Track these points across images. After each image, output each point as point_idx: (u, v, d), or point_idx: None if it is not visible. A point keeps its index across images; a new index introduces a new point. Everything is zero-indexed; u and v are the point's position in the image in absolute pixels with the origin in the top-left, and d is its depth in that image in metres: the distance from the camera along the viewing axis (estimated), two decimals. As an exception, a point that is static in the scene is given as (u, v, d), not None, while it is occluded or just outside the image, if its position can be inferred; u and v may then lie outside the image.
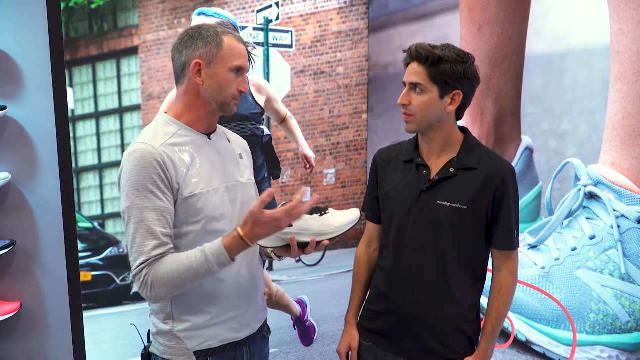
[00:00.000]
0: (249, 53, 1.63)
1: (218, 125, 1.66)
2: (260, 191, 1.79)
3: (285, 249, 1.53)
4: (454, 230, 1.63)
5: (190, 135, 1.53)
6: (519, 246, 1.69)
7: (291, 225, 1.48)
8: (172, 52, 1.53)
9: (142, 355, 1.63)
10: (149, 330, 1.64)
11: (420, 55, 1.58)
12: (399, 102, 1.63)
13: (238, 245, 1.42)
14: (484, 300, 1.71)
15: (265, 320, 1.74)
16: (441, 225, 1.63)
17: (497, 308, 1.67)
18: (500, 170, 1.62)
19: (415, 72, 1.59)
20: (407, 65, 1.63)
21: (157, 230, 1.42)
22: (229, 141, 1.65)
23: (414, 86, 1.60)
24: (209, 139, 1.57)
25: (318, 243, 1.51)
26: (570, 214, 2.29)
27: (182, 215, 1.49)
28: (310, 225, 1.50)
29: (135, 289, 1.46)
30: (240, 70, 1.52)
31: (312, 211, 1.53)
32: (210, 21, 2.51)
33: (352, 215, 1.54)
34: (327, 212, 1.54)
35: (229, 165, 1.59)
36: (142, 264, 1.42)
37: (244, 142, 1.74)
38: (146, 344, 1.65)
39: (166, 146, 1.48)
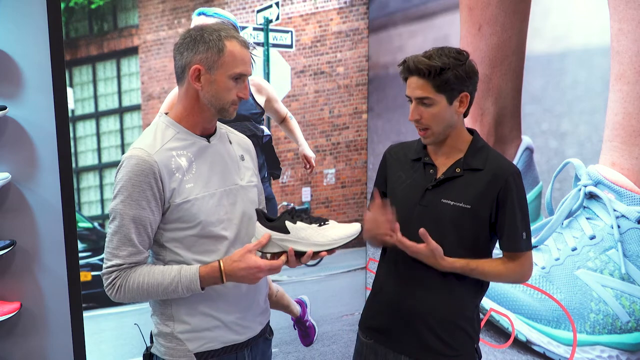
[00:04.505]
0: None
1: (222, 125, 1.65)
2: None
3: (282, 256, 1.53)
4: (456, 228, 1.63)
5: (189, 139, 1.52)
6: (529, 248, 1.67)
7: (289, 233, 1.49)
8: (174, 51, 1.52)
9: (144, 356, 1.63)
10: (151, 331, 1.64)
11: (421, 70, 1.57)
12: (410, 119, 1.63)
13: (213, 277, 1.46)
14: (483, 301, 1.71)
15: (268, 323, 1.74)
16: (444, 223, 1.64)
17: (486, 265, 1.64)
18: (505, 172, 1.62)
19: (419, 87, 1.59)
20: (405, 79, 1.63)
21: (134, 238, 1.45)
22: (230, 142, 1.64)
23: (420, 100, 1.60)
24: (208, 141, 1.56)
25: (316, 254, 1.50)
26: (571, 214, 2.29)
27: (177, 219, 1.49)
28: (308, 235, 1.50)
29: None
30: (240, 77, 1.50)
31: (312, 221, 1.52)
32: (210, 21, 2.51)
33: (351, 229, 1.52)
34: (327, 222, 1.53)
35: (228, 169, 1.59)
36: (114, 266, 1.46)
37: (247, 142, 1.72)
38: (148, 344, 1.65)
39: (164, 151, 1.48)
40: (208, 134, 1.57)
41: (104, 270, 1.47)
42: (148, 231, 1.47)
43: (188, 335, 1.54)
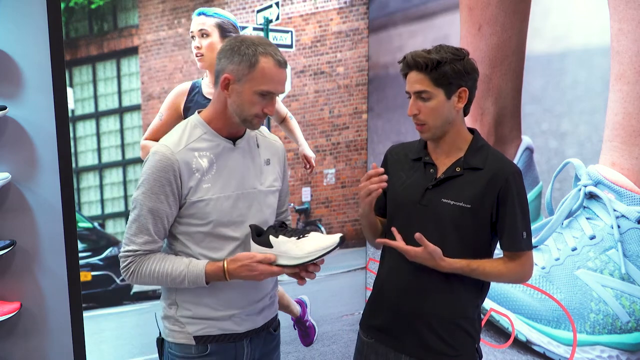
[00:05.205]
0: None
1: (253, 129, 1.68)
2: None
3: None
4: (456, 228, 1.64)
5: (214, 140, 1.58)
6: (529, 248, 1.67)
7: (272, 247, 1.55)
8: (217, 55, 1.57)
9: (157, 340, 1.72)
10: (160, 315, 1.72)
11: (419, 63, 1.58)
12: (409, 113, 1.64)
13: (217, 276, 1.55)
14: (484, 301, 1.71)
15: (275, 317, 1.79)
16: (444, 222, 1.64)
17: (487, 265, 1.64)
18: (505, 171, 1.63)
19: (417, 81, 1.60)
20: (405, 75, 1.64)
21: (151, 228, 1.54)
22: (258, 146, 1.68)
23: (419, 94, 1.61)
24: (234, 144, 1.60)
25: (301, 267, 1.56)
26: (570, 214, 2.28)
27: (190, 215, 1.57)
28: (287, 249, 1.54)
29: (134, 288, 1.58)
30: (268, 94, 1.53)
31: (293, 234, 1.56)
32: (210, 21, 2.51)
33: (329, 240, 1.54)
34: (306, 235, 1.55)
35: (249, 172, 1.63)
36: (130, 251, 1.55)
37: (277, 145, 1.75)
38: (162, 331, 1.72)
39: (186, 151, 1.54)
40: (235, 137, 1.61)
41: (121, 254, 1.57)
42: (164, 223, 1.56)
43: (188, 320, 1.62)
